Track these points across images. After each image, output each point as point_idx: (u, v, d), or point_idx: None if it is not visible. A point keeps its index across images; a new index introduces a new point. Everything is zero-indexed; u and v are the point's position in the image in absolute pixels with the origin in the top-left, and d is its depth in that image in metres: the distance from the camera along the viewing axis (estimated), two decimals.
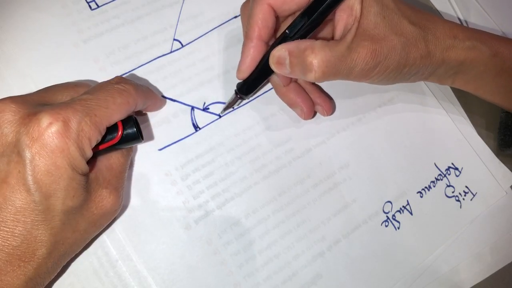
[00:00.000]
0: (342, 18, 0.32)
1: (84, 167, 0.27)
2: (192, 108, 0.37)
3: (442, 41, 0.33)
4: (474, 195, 0.40)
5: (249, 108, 0.38)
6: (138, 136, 0.30)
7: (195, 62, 0.38)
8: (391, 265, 0.37)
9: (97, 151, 0.29)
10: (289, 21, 0.33)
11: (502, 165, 0.42)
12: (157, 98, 0.35)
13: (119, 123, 0.30)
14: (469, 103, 0.43)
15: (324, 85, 0.40)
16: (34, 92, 0.29)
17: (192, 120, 0.36)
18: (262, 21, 0.33)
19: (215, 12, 0.39)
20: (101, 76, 0.35)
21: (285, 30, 0.32)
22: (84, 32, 0.36)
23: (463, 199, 0.40)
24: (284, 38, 0.32)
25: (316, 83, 0.39)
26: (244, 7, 0.36)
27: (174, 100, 0.37)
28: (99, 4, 0.37)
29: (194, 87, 0.37)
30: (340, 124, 0.39)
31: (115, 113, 0.28)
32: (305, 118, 0.37)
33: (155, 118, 0.36)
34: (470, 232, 0.39)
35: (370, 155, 0.39)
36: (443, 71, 0.34)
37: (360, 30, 0.30)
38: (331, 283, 0.35)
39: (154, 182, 0.34)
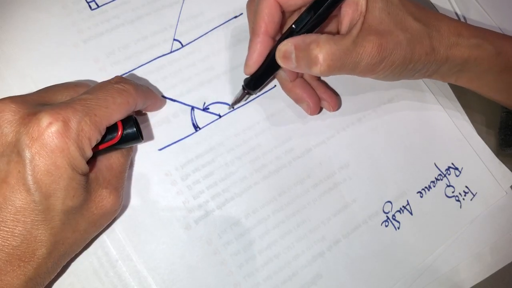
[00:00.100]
0: (348, 13, 0.32)
1: (84, 167, 0.27)
2: (192, 108, 0.37)
3: (447, 38, 0.33)
4: (474, 195, 0.40)
5: (249, 108, 0.38)
6: (138, 136, 0.30)
7: (195, 62, 0.38)
8: (391, 265, 0.37)
9: (97, 151, 0.29)
10: (295, 17, 0.33)
11: (502, 165, 0.42)
12: (157, 98, 0.35)
13: (119, 123, 0.30)
14: (469, 103, 0.43)
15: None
16: (34, 92, 0.29)
17: (192, 120, 0.36)
18: (268, 16, 0.33)
19: (215, 12, 0.39)
20: (101, 76, 0.35)
21: (291, 25, 0.32)
22: (84, 32, 0.36)
23: (463, 199, 0.40)
24: (290, 33, 0.32)
25: (322, 77, 0.39)
26: (250, 3, 0.36)
27: (174, 100, 0.37)
28: (99, 4, 0.37)
29: (194, 87, 0.37)
30: (340, 124, 0.39)
31: (115, 113, 0.28)
32: (311, 114, 0.37)
33: (155, 118, 0.36)
34: (470, 232, 0.39)
35: (370, 155, 0.39)
36: (447, 68, 0.34)
37: (366, 26, 0.31)
38: (331, 283, 0.35)
39: (154, 182, 0.34)
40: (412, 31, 0.32)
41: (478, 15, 0.44)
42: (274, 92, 0.39)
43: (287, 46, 0.31)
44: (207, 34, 0.39)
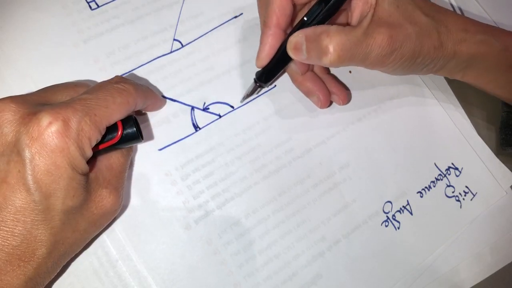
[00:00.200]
0: (358, 5, 0.32)
1: (84, 166, 0.27)
2: (192, 108, 0.37)
3: (454, 33, 0.33)
4: (474, 195, 0.40)
5: (249, 108, 0.38)
6: (138, 135, 0.30)
7: (195, 62, 0.38)
8: (391, 265, 0.37)
9: (97, 151, 0.29)
10: (305, 10, 0.33)
11: (502, 165, 0.42)
12: (157, 98, 0.35)
13: (119, 123, 0.30)
14: (469, 103, 0.43)
15: None
16: (34, 92, 0.29)
17: (192, 120, 0.36)
18: (280, 9, 0.33)
19: (215, 12, 0.39)
20: (101, 76, 0.35)
21: (303, 17, 0.32)
22: (84, 32, 0.36)
23: (463, 199, 0.40)
24: (301, 25, 0.32)
25: (332, 67, 0.39)
26: None
27: (174, 100, 0.37)
28: (99, 4, 0.37)
29: (194, 87, 0.37)
30: (340, 124, 0.39)
31: (115, 112, 0.28)
32: (321, 107, 0.38)
33: (155, 118, 0.36)
34: (470, 232, 0.39)
35: (370, 155, 0.39)
36: (454, 64, 0.34)
37: (376, 18, 0.31)
38: (331, 283, 0.35)
39: (154, 182, 0.34)
40: (421, 24, 0.32)
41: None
42: (273, 92, 0.39)
43: (298, 37, 0.32)
44: (207, 34, 0.39)
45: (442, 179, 0.40)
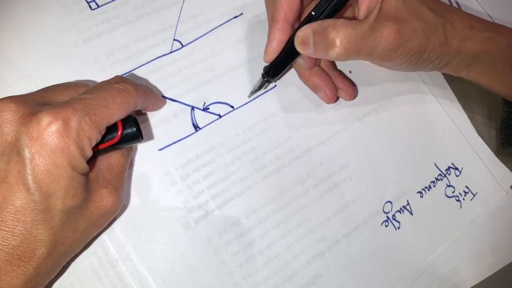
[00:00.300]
0: (365, 0, 0.32)
1: (84, 166, 0.27)
2: (192, 108, 0.37)
3: (459, 30, 0.33)
4: (474, 195, 0.40)
5: (249, 108, 0.38)
6: (138, 135, 0.30)
7: (195, 62, 0.38)
8: (391, 265, 0.37)
9: (97, 151, 0.29)
10: (313, 5, 0.33)
11: (502, 165, 0.42)
12: (157, 98, 0.35)
13: (119, 123, 0.30)
14: (469, 103, 0.43)
15: None
16: (34, 92, 0.29)
17: (192, 120, 0.36)
18: (287, 3, 0.33)
19: (215, 12, 0.39)
20: (101, 76, 0.35)
21: (310, 12, 0.33)
22: (84, 32, 0.36)
23: (463, 199, 0.40)
24: (309, 20, 0.33)
25: (338, 61, 0.39)
26: None
27: (174, 100, 0.37)
28: (99, 4, 0.37)
29: (194, 87, 0.37)
30: (340, 124, 0.39)
31: (115, 112, 0.28)
32: (328, 102, 0.38)
33: (155, 118, 0.36)
34: (470, 232, 0.39)
35: (370, 155, 0.39)
36: (458, 61, 0.34)
37: (382, 13, 0.31)
38: (331, 283, 0.35)
39: (154, 182, 0.34)
40: (427, 20, 0.32)
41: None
42: (273, 92, 0.39)
43: (305, 31, 0.32)
44: (207, 34, 0.39)
45: (442, 179, 0.40)
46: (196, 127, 0.36)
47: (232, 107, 0.37)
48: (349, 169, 0.38)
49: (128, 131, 0.30)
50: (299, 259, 0.35)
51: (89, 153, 0.27)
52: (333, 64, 0.39)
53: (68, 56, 0.35)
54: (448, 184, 0.40)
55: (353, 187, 0.38)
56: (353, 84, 0.40)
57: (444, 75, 0.43)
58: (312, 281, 0.35)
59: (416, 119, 0.41)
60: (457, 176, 0.40)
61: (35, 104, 0.27)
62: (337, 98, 0.39)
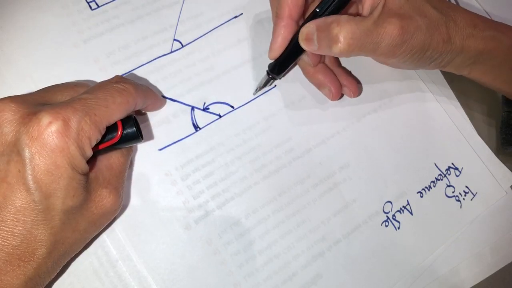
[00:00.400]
0: None
1: (84, 166, 0.27)
2: (192, 108, 0.37)
3: (462, 29, 0.33)
4: (474, 195, 0.40)
5: (249, 108, 0.38)
6: (137, 135, 0.30)
7: (195, 62, 0.38)
8: (391, 265, 0.37)
9: (97, 151, 0.29)
10: (317, 2, 0.33)
11: (502, 165, 0.42)
12: (157, 98, 0.35)
13: (119, 123, 0.30)
14: (469, 103, 0.43)
15: None
16: (34, 92, 0.29)
17: (192, 120, 0.36)
18: (292, 0, 0.33)
19: (215, 12, 0.39)
20: (101, 76, 0.35)
21: (315, 9, 0.33)
22: (84, 32, 0.36)
23: (463, 199, 0.40)
24: (314, 17, 0.33)
25: (342, 57, 0.40)
26: None
27: (174, 100, 0.37)
28: (99, 4, 0.37)
29: (194, 87, 0.37)
30: (340, 123, 0.39)
31: (115, 112, 0.28)
32: (333, 99, 0.38)
33: (155, 118, 0.36)
34: (470, 232, 0.39)
35: (370, 155, 0.39)
36: (461, 59, 0.34)
37: (386, 9, 0.31)
38: (331, 283, 0.35)
39: (154, 182, 0.34)
40: (430, 18, 0.32)
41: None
42: (273, 92, 0.39)
43: (309, 28, 0.32)
44: (207, 34, 0.39)
45: (442, 179, 0.40)
46: (196, 127, 0.36)
47: (232, 107, 0.37)
48: (349, 169, 0.38)
49: (128, 131, 0.30)
50: (299, 259, 0.35)
51: (89, 153, 0.27)
52: (337, 61, 0.39)
53: (68, 56, 0.35)
54: (448, 184, 0.40)
55: (353, 187, 0.38)
56: (358, 81, 0.40)
57: (445, 74, 0.43)
58: (312, 281, 0.35)
59: (416, 119, 0.41)
60: (457, 176, 0.40)
61: (35, 104, 0.27)
62: (342, 95, 0.39)
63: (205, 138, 0.36)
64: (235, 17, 0.40)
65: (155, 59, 0.37)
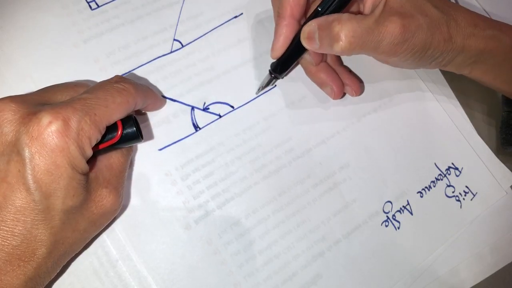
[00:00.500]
0: None
1: (84, 166, 0.27)
2: (192, 108, 0.37)
3: (463, 28, 0.33)
4: (474, 195, 0.40)
5: (249, 108, 0.38)
6: (137, 135, 0.30)
7: (195, 62, 0.38)
8: (391, 265, 0.37)
9: (97, 151, 0.29)
10: (318, 1, 0.33)
11: (502, 165, 0.42)
12: (156, 98, 0.35)
13: (119, 123, 0.30)
14: (469, 102, 0.43)
15: None
16: (34, 92, 0.29)
17: (192, 120, 0.36)
18: None
19: (215, 12, 0.39)
20: (101, 76, 0.35)
21: (316, 8, 0.33)
22: (84, 32, 0.36)
23: (463, 199, 0.40)
24: (315, 16, 0.33)
25: (343, 55, 0.40)
26: None
27: (174, 100, 0.37)
28: (99, 4, 0.37)
29: (194, 87, 0.37)
30: (340, 123, 0.39)
31: (115, 112, 0.28)
32: (335, 98, 0.38)
33: (155, 118, 0.36)
34: (470, 232, 0.39)
35: (370, 155, 0.39)
36: (462, 59, 0.34)
37: (387, 8, 0.31)
38: (331, 283, 0.35)
39: (154, 182, 0.34)
40: (431, 17, 0.32)
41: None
42: (273, 92, 0.39)
43: (311, 26, 0.32)
44: (207, 34, 0.39)
45: (442, 179, 0.40)
46: (196, 127, 0.36)
47: (232, 107, 0.37)
48: (349, 169, 0.38)
49: (128, 131, 0.30)
50: (299, 259, 0.35)
51: (89, 152, 0.27)
52: (339, 60, 0.39)
53: (68, 56, 0.35)
54: (448, 184, 0.40)
55: (353, 187, 0.38)
56: (360, 80, 0.40)
57: (444, 74, 0.43)
58: (312, 281, 0.35)
59: (416, 119, 0.41)
60: (457, 176, 0.40)
61: (35, 104, 0.27)
62: (344, 94, 0.39)
63: (205, 138, 0.36)
64: (235, 17, 0.40)
65: (155, 59, 0.37)
